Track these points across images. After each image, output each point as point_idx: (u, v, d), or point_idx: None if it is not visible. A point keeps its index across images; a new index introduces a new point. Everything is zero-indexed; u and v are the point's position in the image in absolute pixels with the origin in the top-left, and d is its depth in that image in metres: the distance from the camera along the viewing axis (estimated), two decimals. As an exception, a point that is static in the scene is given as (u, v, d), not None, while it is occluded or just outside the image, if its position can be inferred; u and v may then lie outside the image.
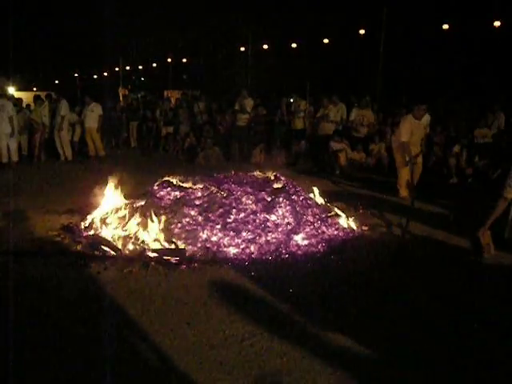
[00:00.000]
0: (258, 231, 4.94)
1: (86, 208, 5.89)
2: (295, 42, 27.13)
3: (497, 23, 19.78)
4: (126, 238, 4.79)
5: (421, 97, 7.85)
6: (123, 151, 13.26)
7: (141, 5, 31.02)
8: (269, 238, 4.90)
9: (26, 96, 14.69)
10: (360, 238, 5.30)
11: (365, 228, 5.63)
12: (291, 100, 11.90)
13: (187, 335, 3.14)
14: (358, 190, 8.22)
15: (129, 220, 5.08)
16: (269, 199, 5.33)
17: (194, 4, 29.54)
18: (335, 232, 5.34)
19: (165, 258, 4.47)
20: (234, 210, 5.09)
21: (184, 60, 34.90)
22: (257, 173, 6.16)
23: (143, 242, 4.74)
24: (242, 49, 29.24)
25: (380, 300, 3.73)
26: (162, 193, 5.35)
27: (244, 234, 4.88)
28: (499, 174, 6.30)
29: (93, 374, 2.72)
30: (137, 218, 5.03)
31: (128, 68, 38.89)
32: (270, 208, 5.22)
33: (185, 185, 5.48)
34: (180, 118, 13.19)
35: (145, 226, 4.90)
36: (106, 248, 4.66)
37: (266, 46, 28.30)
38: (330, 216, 5.62)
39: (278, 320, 3.38)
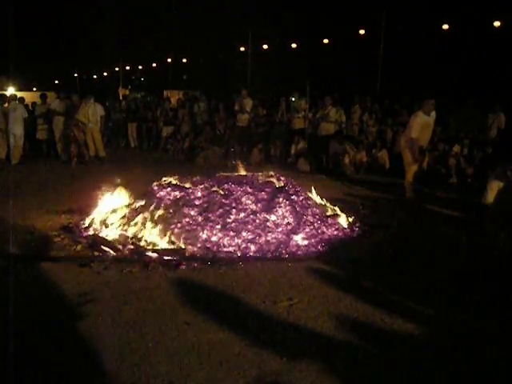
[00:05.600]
0: (258, 231, 4.94)
1: (86, 208, 5.89)
2: (295, 42, 27.14)
3: (497, 23, 19.78)
4: (126, 238, 4.79)
5: (422, 97, 7.82)
6: (123, 151, 13.25)
7: (141, 5, 31.04)
8: (269, 238, 4.90)
9: (25, 96, 14.68)
10: (360, 238, 5.29)
11: (365, 228, 5.62)
12: (293, 99, 11.89)
13: (187, 335, 3.14)
14: (359, 189, 8.21)
15: (129, 220, 5.09)
16: (269, 199, 5.33)
17: (194, 4, 29.53)
18: (335, 232, 5.34)
19: (165, 258, 4.47)
20: (233, 210, 5.09)
21: (184, 60, 34.92)
22: (257, 173, 6.16)
23: (143, 241, 4.74)
24: (242, 49, 29.26)
25: (380, 300, 3.73)
26: (161, 193, 5.34)
27: (244, 234, 4.88)
28: (497, 174, 6.32)
29: (92, 374, 2.73)
30: (137, 218, 5.03)
31: (128, 68, 38.91)
32: (270, 208, 5.22)
33: (185, 185, 5.47)
34: (181, 118, 13.20)
35: (145, 227, 4.90)
36: (105, 248, 4.66)
37: (265, 46, 28.31)
38: (329, 216, 5.62)
39: (278, 320, 3.38)
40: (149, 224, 4.91)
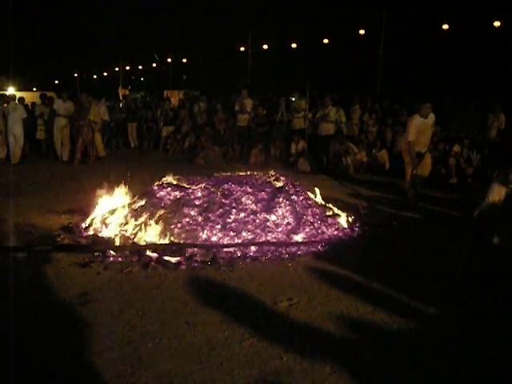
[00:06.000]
0: (258, 231, 4.94)
1: (86, 208, 5.89)
2: (295, 42, 27.15)
3: (497, 23, 19.78)
4: (126, 238, 4.79)
5: (422, 97, 7.82)
6: (123, 151, 13.26)
7: (141, 5, 31.05)
8: (269, 238, 4.91)
9: (25, 96, 14.70)
10: (360, 238, 5.29)
11: (365, 228, 5.62)
12: (293, 99, 11.90)
13: (187, 335, 3.14)
14: (359, 190, 8.21)
15: (129, 220, 5.08)
16: (269, 199, 5.33)
17: (195, 4, 29.55)
18: (335, 232, 5.34)
19: (165, 258, 4.47)
20: (233, 210, 5.09)
21: (184, 60, 34.93)
22: (257, 173, 6.16)
23: (143, 241, 4.74)
24: (242, 49, 29.28)
25: (380, 300, 3.73)
26: (161, 193, 5.34)
27: (244, 234, 4.88)
28: (497, 175, 6.29)
29: (92, 374, 2.73)
30: (137, 218, 5.03)
31: (128, 68, 38.91)
32: (270, 208, 5.22)
33: (185, 185, 5.48)
34: (181, 118, 13.21)
35: (145, 226, 4.90)
36: (106, 248, 4.65)
37: (265, 46, 28.32)
38: (329, 216, 5.62)
39: (278, 320, 3.38)
40: (149, 224, 4.90)
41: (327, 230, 5.32)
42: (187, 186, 5.43)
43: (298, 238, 5.03)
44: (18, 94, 13.40)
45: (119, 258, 4.49)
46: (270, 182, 5.73)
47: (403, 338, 3.17)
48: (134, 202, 5.38)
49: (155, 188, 5.47)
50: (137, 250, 4.61)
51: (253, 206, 5.20)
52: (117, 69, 35.42)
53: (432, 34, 21.96)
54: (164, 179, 5.66)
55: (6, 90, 20.74)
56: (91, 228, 5.19)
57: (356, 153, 9.89)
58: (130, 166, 9.79)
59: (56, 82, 41.11)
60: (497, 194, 5.65)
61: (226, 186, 5.43)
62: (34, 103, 12.69)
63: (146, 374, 2.72)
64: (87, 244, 4.81)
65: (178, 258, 4.47)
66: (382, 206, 6.92)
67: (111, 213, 5.32)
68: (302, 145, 10.71)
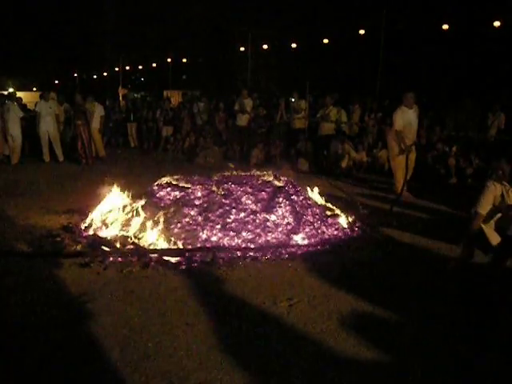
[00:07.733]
0: (258, 231, 4.94)
1: (86, 208, 5.89)
2: (295, 42, 27.15)
3: (497, 23, 19.77)
4: (126, 238, 4.79)
5: (422, 96, 7.83)
6: (123, 151, 13.25)
7: (141, 5, 31.06)
8: (269, 238, 4.91)
9: (25, 96, 14.70)
10: (360, 238, 5.29)
11: (365, 228, 5.62)
12: (292, 99, 11.90)
13: (187, 335, 3.14)
14: (359, 190, 8.21)
15: (129, 220, 5.09)
16: (269, 199, 5.33)
17: (194, 4, 29.54)
18: (335, 232, 5.34)
19: (165, 258, 4.47)
20: (233, 210, 5.09)
21: (184, 60, 34.93)
22: (257, 173, 6.16)
23: (143, 241, 4.74)
24: (242, 49, 29.27)
25: (380, 300, 3.73)
26: (161, 193, 5.35)
27: (244, 234, 4.88)
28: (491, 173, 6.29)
29: (92, 374, 2.73)
30: (137, 218, 5.04)
31: (128, 68, 38.89)
32: (269, 208, 5.22)
33: (185, 185, 5.48)
34: (182, 118, 13.22)
35: (145, 226, 4.90)
36: (105, 248, 4.65)
37: (265, 46, 28.32)
38: (329, 216, 5.62)
39: (277, 320, 3.38)
40: (149, 224, 4.91)
41: (327, 230, 5.32)
42: (187, 186, 5.43)
43: (298, 238, 5.03)
44: (18, 95, 13.36)
45: (119, 258, 4.49)
46: (270, 181, 5.73)
47: (403, 338, 3.17)
48: (134, 202, 5.38)
49: (155, 188, 5.47)
50: (137, 250, 4.62)
51: (253, 206, 5.20)
52: (117, 69, 35.41)
53: (432, 33, 21.95)
54: (164, 179, 5.66)
55: (6, 90, 20.73)
56: (91, 228, 5.20)
57: (356, 153, 9.90)
58: (130, 166, 9.83)
59: (56, 81, 41.09)
60: (491, 192, 5.48)
61: (225, 185, 5.43)
62: (37, 103, 12.67)
63: (145, 374, 2.72)
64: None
65: (178, 258, 4.48)
66: (382, 205, 6.92)
67: (111, 213, 5.32)
68: (303, 145, 10.71)
